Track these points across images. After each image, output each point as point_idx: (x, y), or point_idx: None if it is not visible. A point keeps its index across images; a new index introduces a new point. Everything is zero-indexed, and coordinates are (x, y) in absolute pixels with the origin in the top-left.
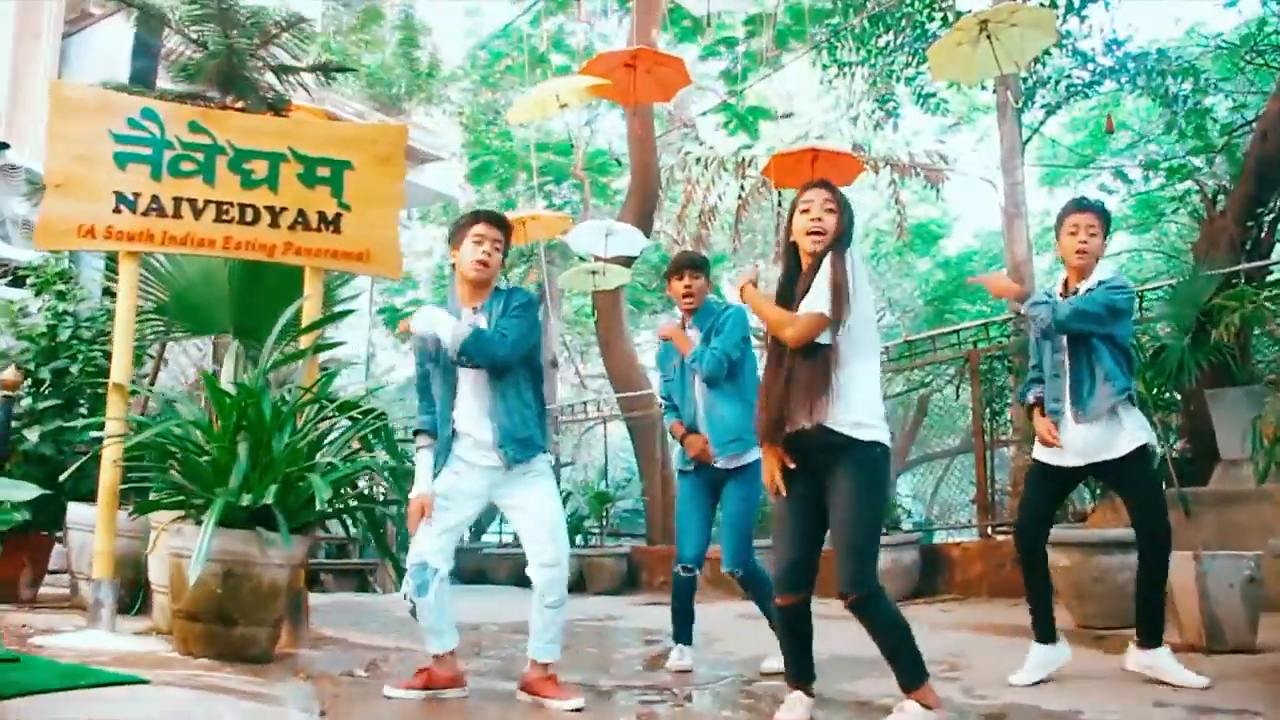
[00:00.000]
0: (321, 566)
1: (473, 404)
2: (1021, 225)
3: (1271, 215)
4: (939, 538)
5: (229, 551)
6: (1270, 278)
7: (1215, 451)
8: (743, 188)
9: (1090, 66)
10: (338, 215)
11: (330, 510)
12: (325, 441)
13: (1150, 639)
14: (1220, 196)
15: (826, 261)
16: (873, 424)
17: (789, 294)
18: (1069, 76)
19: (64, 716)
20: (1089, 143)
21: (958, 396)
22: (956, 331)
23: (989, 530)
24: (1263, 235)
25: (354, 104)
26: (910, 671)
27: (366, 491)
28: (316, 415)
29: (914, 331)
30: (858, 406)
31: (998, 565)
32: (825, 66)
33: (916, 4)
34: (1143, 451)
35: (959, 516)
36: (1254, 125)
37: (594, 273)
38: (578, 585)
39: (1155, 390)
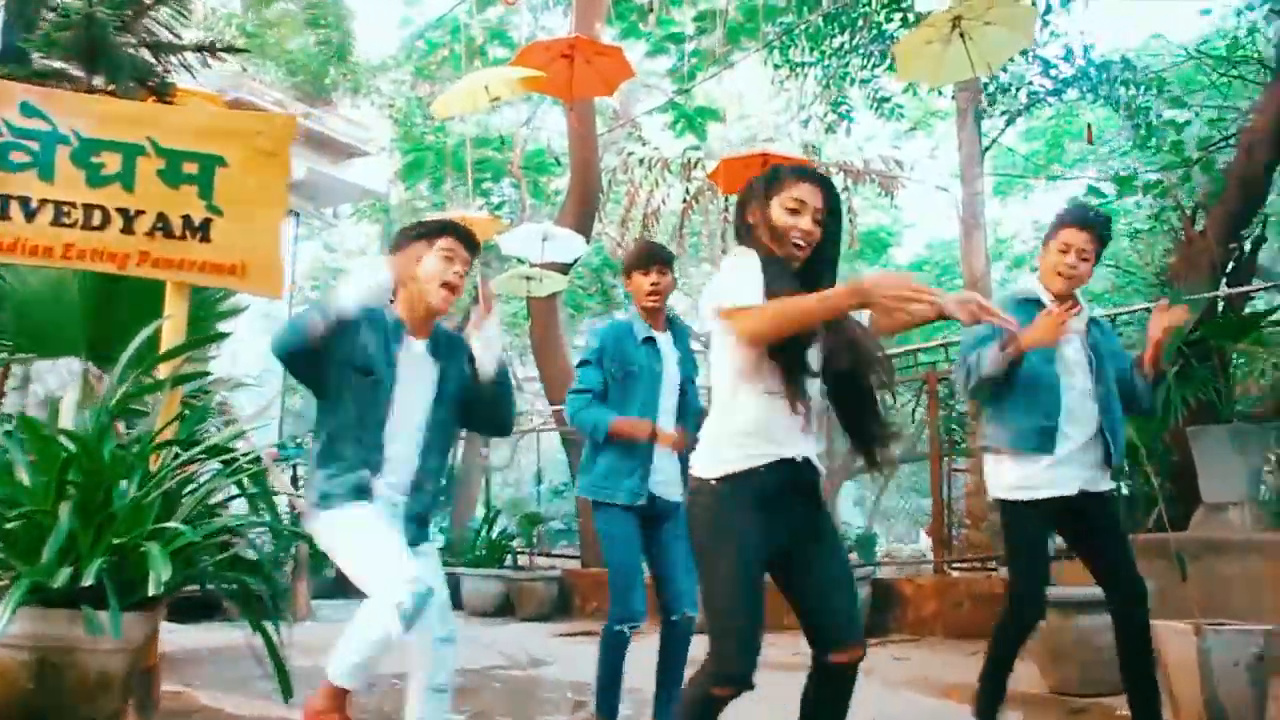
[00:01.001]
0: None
1: (402, 450)
2: (980, 236)
3: (1254, 238)
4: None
5: (44, 636)
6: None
7: (1194, 493)
8: (688, 190)
9: (1053, 73)
10: (207, 221)
11: (176, 584)
12: (185, 493)
13: None
14: (1198, 215)
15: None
16: None
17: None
18: (1030, 84)
19: None
20: (1045, 152)
21: (914, 419)
22: (914, 352)
23: (945, 566)
24: (1245, 258)
25: (274, 93)
26: None
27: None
28: (175, 462)
29: None
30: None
31: (954, 604)
32: (777, 66)
33: (874, 4)
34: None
35: (896, 525)
36: (1231, 140)
37: (529, 278)
38: (505, 610)
39: (1147, 429)
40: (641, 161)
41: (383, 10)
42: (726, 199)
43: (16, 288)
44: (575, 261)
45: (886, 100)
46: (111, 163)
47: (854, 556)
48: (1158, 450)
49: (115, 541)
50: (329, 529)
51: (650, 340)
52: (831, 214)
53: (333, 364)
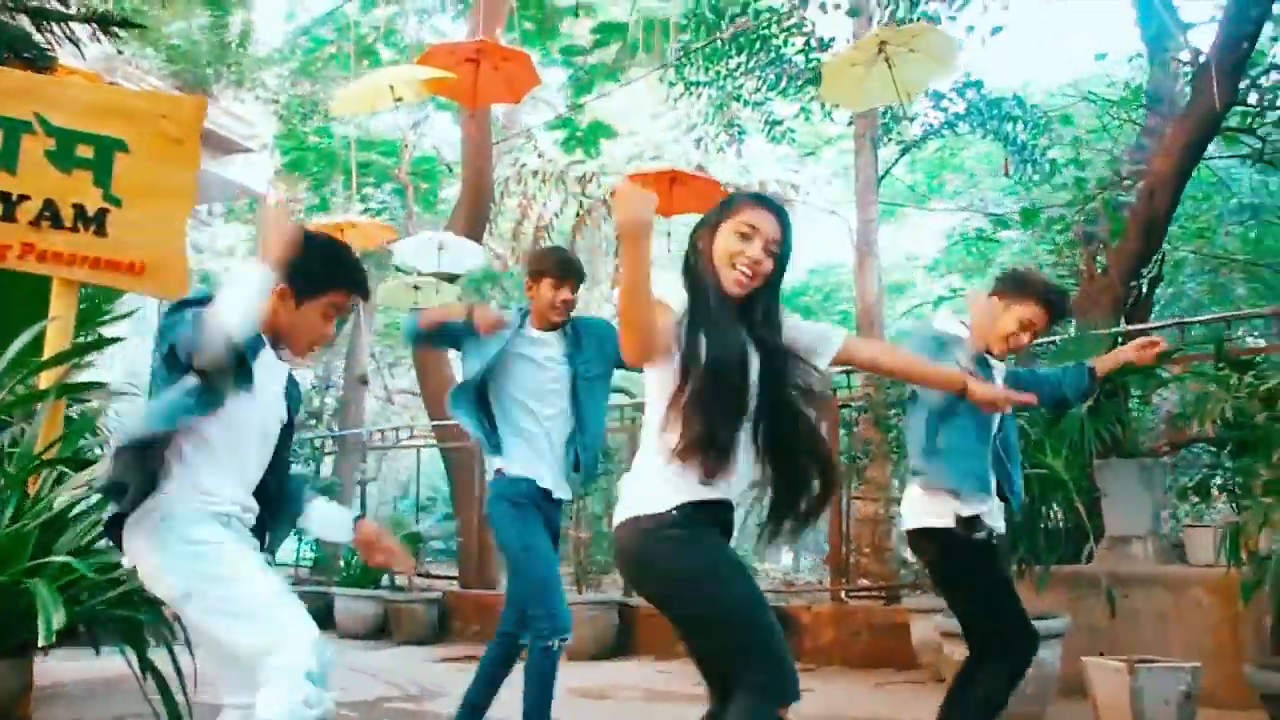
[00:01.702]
0: None
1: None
2: (873, 264)
3: (1152, 276)
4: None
5: None
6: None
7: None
8: (581, 205)
9: (945, 105)
10: (102, 211)
11: (65, 627)
12: (69, 518)
13: None
14: (1100, 253)
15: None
16: None
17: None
18: (924, 116)
19: None
20: (926, 182)
21: None
22: None
23: (843, 594)
24: (1143, 296)
25: (151, 79)
26: None
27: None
28: (55, 484)
29: None
30: None
31: (853, 633)
32: (671, 84)
33: (774, 28)
34: None
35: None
36: (1124, 180)
37: (416, 288)
38: (381, 632)
39: (1074, 463)
40: (535, 174)
41: (267, 2)
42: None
43: None
44: (464, 273)
45: (778, 123)
46: None
47: None
48: (1083, 484)
49: None
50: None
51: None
52: (782, 246)
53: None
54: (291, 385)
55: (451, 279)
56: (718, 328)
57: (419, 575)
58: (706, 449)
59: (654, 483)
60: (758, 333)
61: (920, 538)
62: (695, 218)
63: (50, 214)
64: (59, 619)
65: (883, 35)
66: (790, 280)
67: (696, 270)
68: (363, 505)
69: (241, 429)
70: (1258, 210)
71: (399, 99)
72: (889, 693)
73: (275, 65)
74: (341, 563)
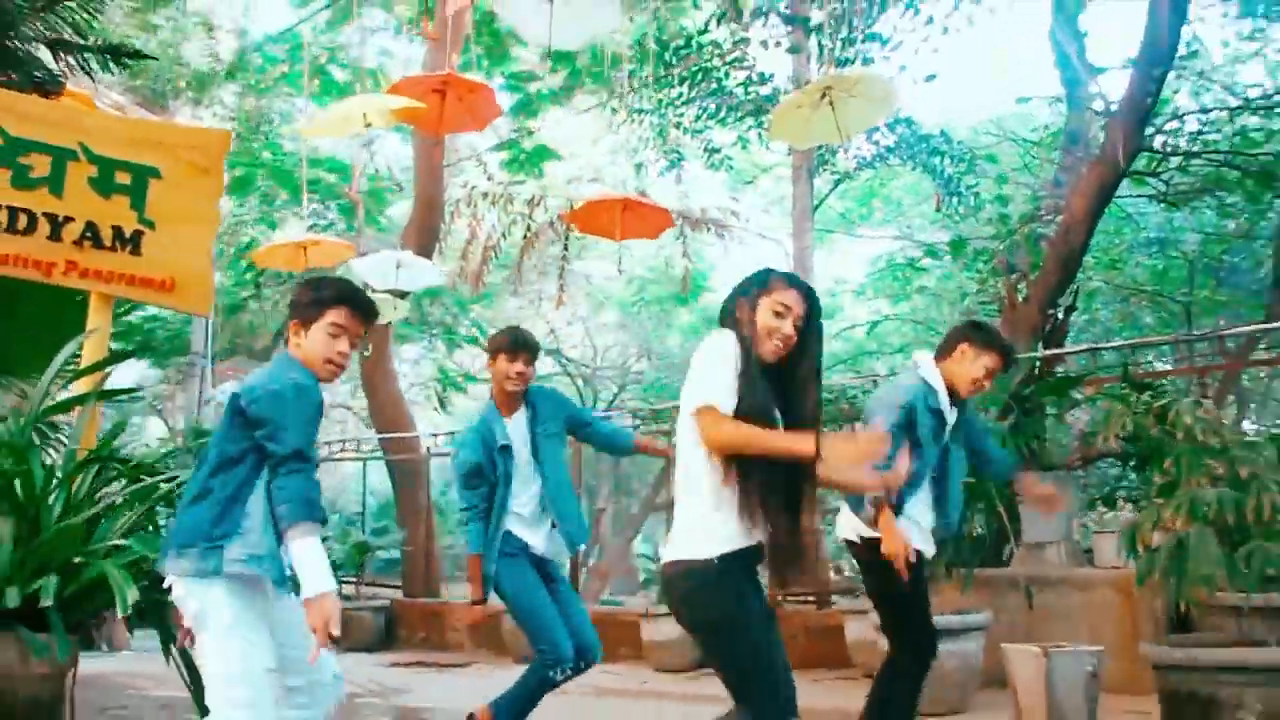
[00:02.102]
0: None
1: None
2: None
3: (1068, 305)
4: None
5: None
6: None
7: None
8: (529, 227)
9: (876, 139)
10: (138, 233)
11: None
12: (108, 514)
13: None
14: (1021, 284)
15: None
16: None
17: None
18: (858, 148)
19: None
20: (856, 210)
21: None
22: None
23: (781, 600)
24: (1059, 324)
25: (113, 94)
26: None
27: None
28: (95, 480)
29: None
30: None
31: (790, 636)
32: (614, 111)
33: (716, 60)
34: None
35: None
36: (1044, 215)
37: None
38: (328, 640)
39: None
40: (485, 195)
41: (219, 15)
42: (568, 235)
43: None
44: (411, 291)
45: (717, 151)
46: (40, 165)
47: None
48: (1004, 495)
49: (62, 558)
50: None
51: (505, 448)
52: (809, 321)
53: None
54: None
55: (402, 295)
56: (754, 392)
57: (367, 585)
58: (756, 505)
59: (699, 531)
60: (789, 394)
61: (850, 546)
62: (644, 242)
63: (91, 235)
64: (133, 595)
65: (828, 81)
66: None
67: (738, 330)
68: None
69: None
70: (1164, 244)
71: (369, 125)
72: (825, 687)
73: (231, 82)
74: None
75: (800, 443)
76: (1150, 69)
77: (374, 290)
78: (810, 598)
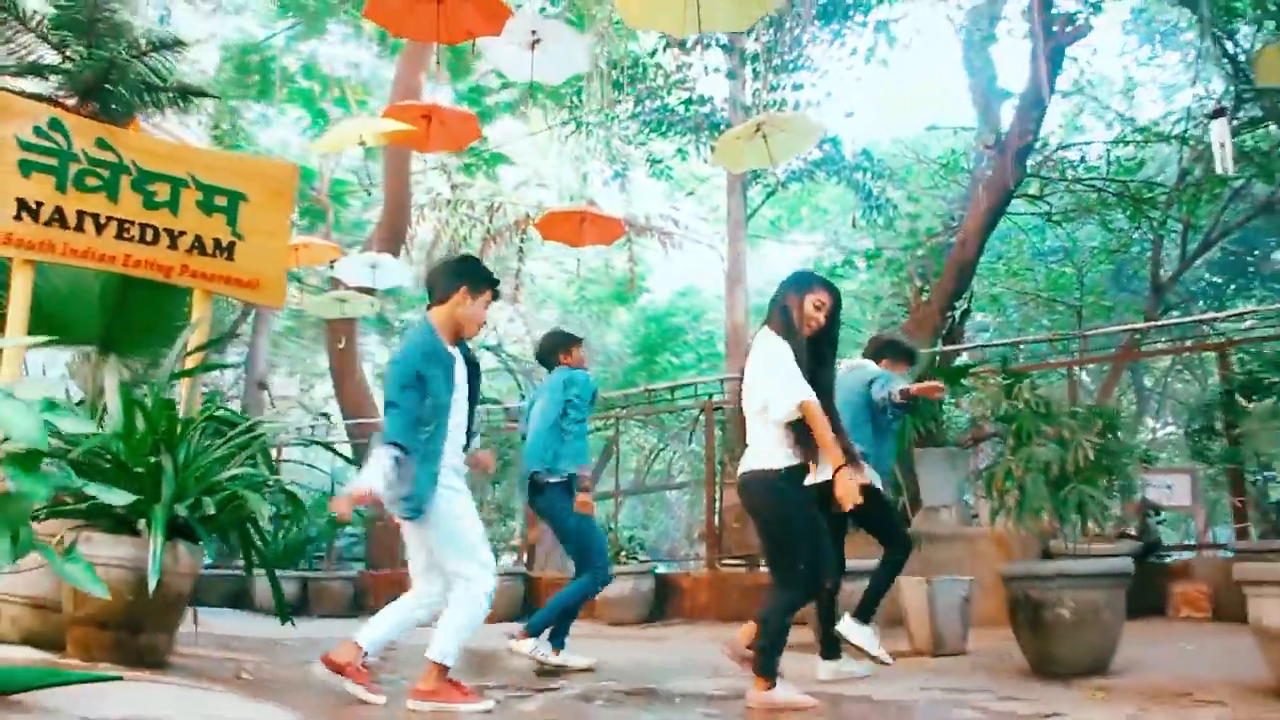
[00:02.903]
0: None
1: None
2: (741, 291)
3: (964, 309)
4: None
5: (142, 560)
6: (959, 360)
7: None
8: (488, 230)
9: (807, 155)
10: (232, 243)
11: (259, 528)
12: (215, 458)
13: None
14: (925, 288)
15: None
16: None
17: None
18: (789, 163)
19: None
20: (787, 217)
21: (690, 441)
22: (694, 384)
23: (716, 563)
24: (955, 324)
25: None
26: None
27: None
28: (203, 432)
29: (622, 379)
30: None
31: (724, 594)
32: (564, 123)
33: (660, 78)
34: None
35: (671, 540)
36: (946, 231)
37: (342, 300)
38: (301, 608)
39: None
40: (449, 202)
41: (190, 25)
42: (523, 238)
43: (40, 285)
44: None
45: (659, 161)
46: (161, 191)
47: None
48: (905, 466)
49: (206, 484)
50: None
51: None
52: (835, 313)
53: None
54: (469, 364)
55: (370, 292)
56: (801, 363)
57: (335, 559)
58: (803, 435)
59: (772, 452)
60: (818, 360)
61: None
62: (600, 249)
63: (199, 245)
64: (268, 510)
65: (762, 118)
66: (662, 303)
67: (791, 322)
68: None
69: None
70: (1061, 255)
71: (362, 143)
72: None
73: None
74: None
75: (834, 453)
76: (1029, 110)
77: (346, 287)
78: (742, 562)
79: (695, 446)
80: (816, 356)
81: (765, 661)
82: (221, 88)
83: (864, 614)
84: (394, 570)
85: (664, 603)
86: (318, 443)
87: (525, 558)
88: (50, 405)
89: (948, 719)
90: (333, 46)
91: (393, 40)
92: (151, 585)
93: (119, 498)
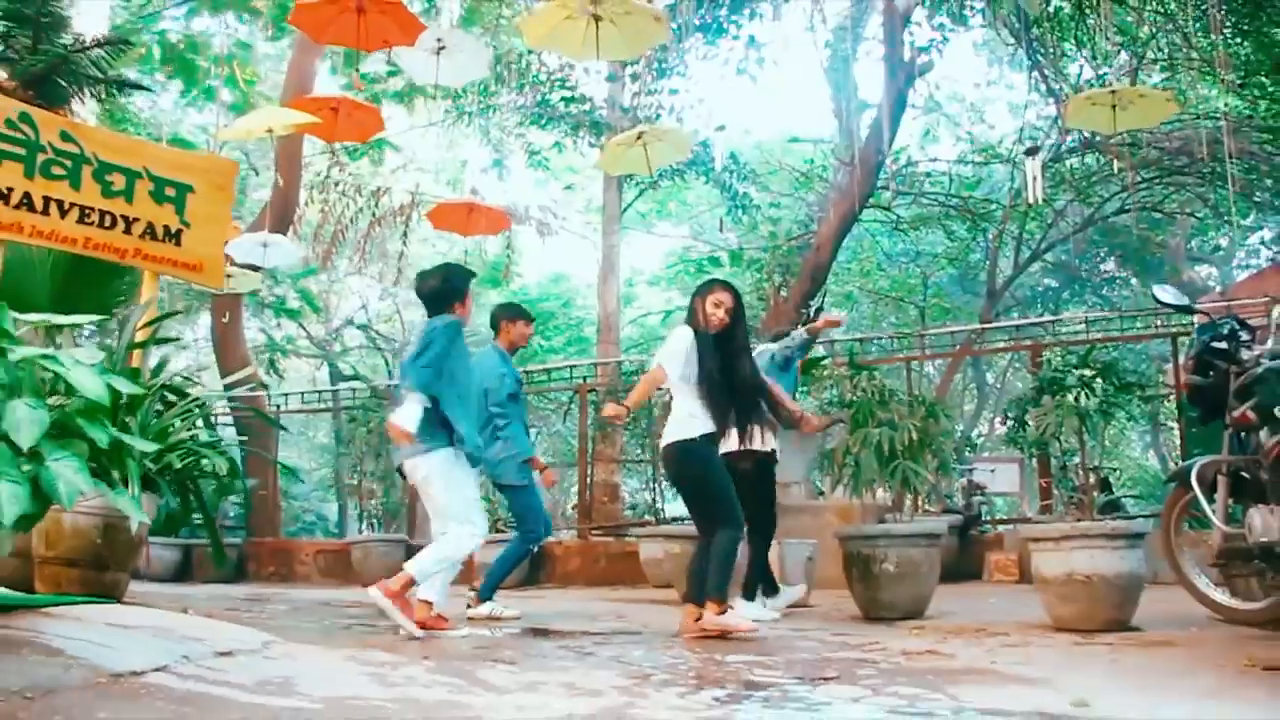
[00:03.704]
0: None
1: None
2: (614, 281)
3: (818, 306)
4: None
5: (112, 508)
6: (812, 354)
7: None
8: (373, 214)
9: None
10: (179, 230)
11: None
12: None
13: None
14: (783, 287)
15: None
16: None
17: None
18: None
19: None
20: (655, 211)
21: (565, 420)
22: (570, 367)
23: (587, 533)
24: (809, 320)
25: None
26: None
27: None
28: (149, 399)
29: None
30: None
31: (594, 560)
32: (447, 112)
33: (543, 75)
34: None
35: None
36: (810, 235)
37: (229, 276)
38: (184, 575)
39: None
40: (336, 184)
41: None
42: (409, 222)
43: None
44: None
45: (537, 153)
46: (118, 181)
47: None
48: None
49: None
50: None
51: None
52: (736, 309)
53: None
54: None
55: (255, 269)
56: (708, 353)
57: (221, 527)
58: (714, 411)
59: (688, 425)
60: (728, 350)
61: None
62: (489, 238)
63: (150, 231)
64: (225, 465)
65: (643, 129)
66: (534, 289)
67: (696, 321)
68: None
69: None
70: (907, 259)
71: (270, 131)
72: (620, 593)
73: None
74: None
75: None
76: (879, 134)
77: (233, 264)
78: (609, 533)
79: (561, 427)
80: (730, 349)
81: (718, 586)
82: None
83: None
84: (275, 539)
85: (538, 569)
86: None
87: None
88: (104, 369)
89: (793, 648)
90: (223, 26)
91: (287, 26)
92: (134, 527)
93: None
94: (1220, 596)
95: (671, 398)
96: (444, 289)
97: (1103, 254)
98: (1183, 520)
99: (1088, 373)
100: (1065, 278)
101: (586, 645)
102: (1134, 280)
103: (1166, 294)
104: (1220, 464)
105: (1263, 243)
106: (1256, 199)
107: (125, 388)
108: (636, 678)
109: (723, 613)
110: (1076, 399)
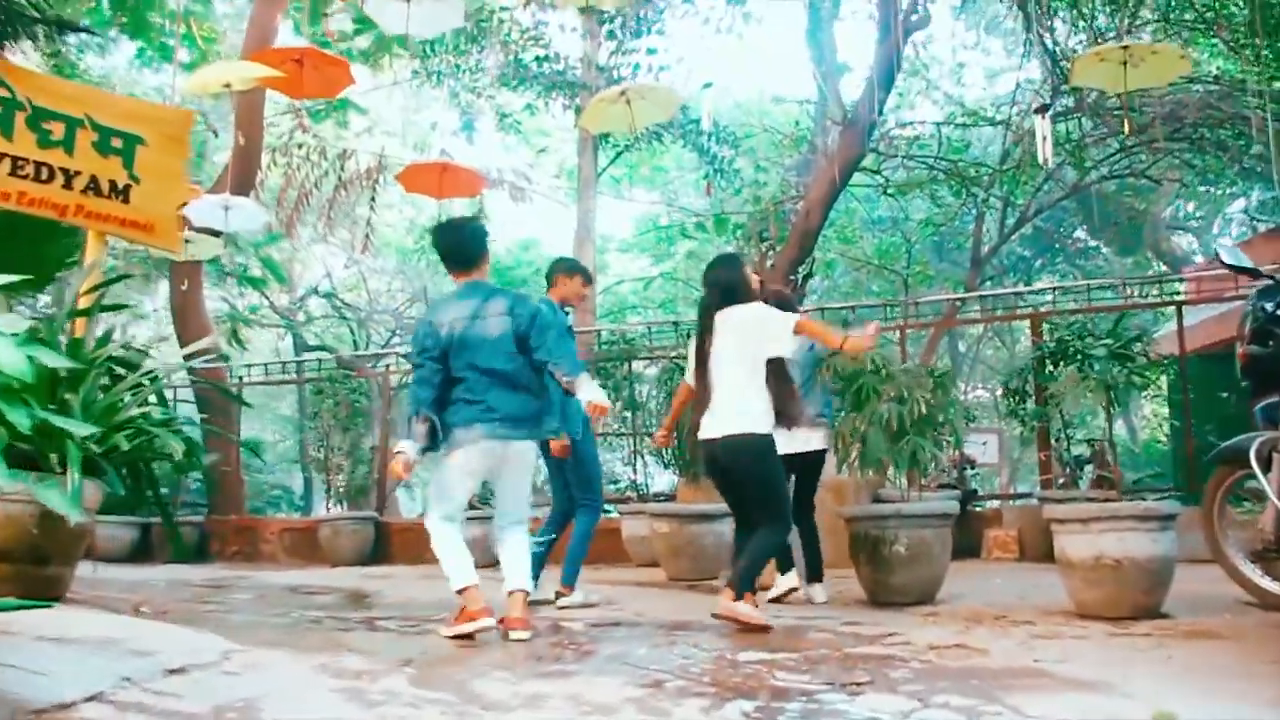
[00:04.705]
0: None
1: None
2: (590, 247)
3: (806, 274)
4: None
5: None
6: None
7: None
8: (339, 177)
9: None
10: (128, 186)
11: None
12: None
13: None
14: (770, 253)
15: None
16: None
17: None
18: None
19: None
20: (628, 176)
21: None
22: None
23: None
24: (798, 288)
25: None
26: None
27: None
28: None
29: None
30: None
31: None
32: (415, 74)
33: (514, 35)
34: None
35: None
36: (796, 199)
37: (188, 242)
38: (142, 555)
39: None
40: (300, 146)
41: None
42: (376, 187)
43: None
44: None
45: (508, 116)
46: (57, 130)
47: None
48: None
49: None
50: None
51: None
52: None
53: None
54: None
55: (216, 234)
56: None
57: (184, 505)
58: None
59: (764, 417)
60: None
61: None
62: (462, 200)
63: (94, 186)
64: (179, 448)
65: (628, 85)
66: (505, 256)
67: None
68: None
69: None
70: (890, 225)
71: (227, 86)
72: (604, 574)
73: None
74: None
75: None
76: (872, 94)
77: (191, 228)
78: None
79: None
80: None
81: (745, 580)
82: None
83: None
84: (239, 517)
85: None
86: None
87: (376, 503)
88: (29, 339)
89: (806, 641)
90: None
91: None
92: (74, 520)
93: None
94: (1266, 583)
95: (717, 376)
96: None
97: (1077, 223)
98: (1227, 500)
99: (1109, 341)
100: (1039, 248)
101: (583, 641)
102: (1105, 249)
103: (1230, 254)
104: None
105: (1245, 211)
106: (1244, 165)
107: (57, 362)
108: (648, 685)
109: (736, 599)
110: (1100, 372)
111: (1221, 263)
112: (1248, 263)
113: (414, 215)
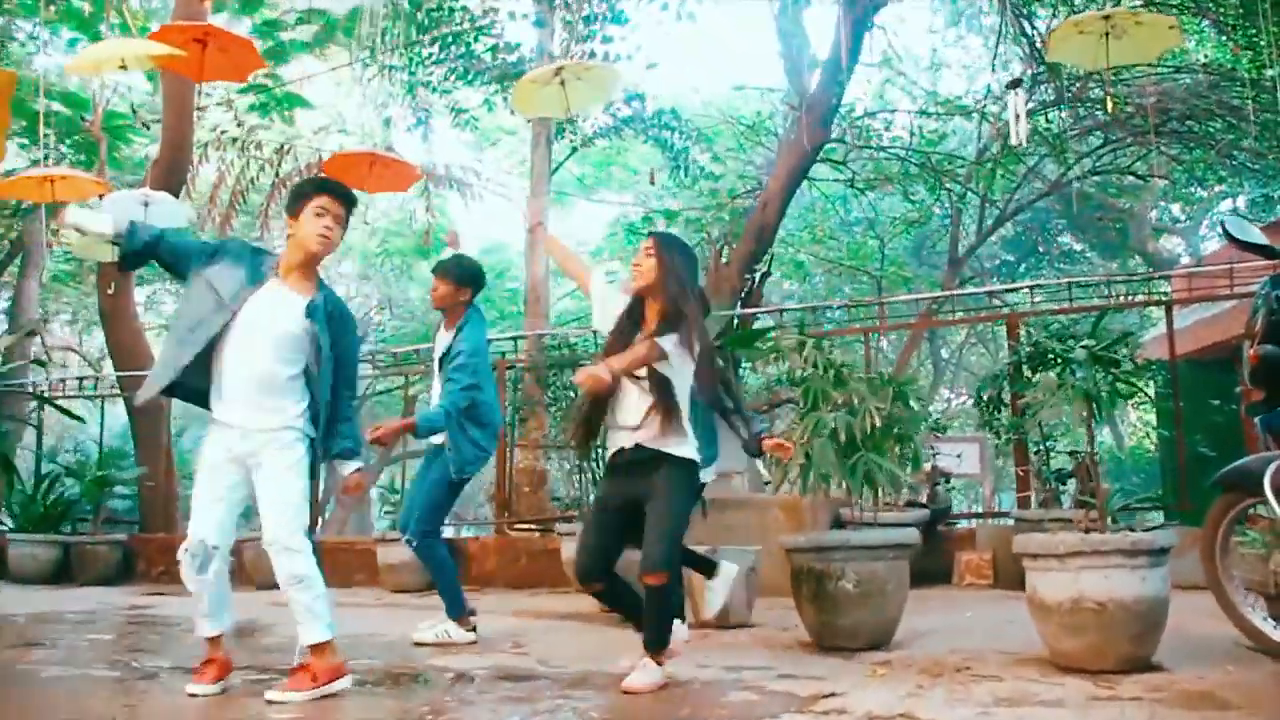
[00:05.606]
0: None
1: None
2: (542, 248)
3: (763, 271)
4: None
5: None
6: (758, 323)
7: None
8: (277, 174)
9: (614, 111)
10: None
11: None
12: None
13: None
14: (725, 250)
15: None
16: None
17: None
18: (595, 119)
19: None
20: (595, 175)
21: None
22: (489, 341)
23: (506, 528)
24: (754, 287)
25: None
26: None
27: None
28: None
29: (424, 334)
30: None
31: (513, 559)
32: (365, 65)
33: (466, 24)
34: None
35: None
36: (756, 194)
37: (115, 243)
38: (61, 576)
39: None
40: (234, 140)
41: None
42: None
43: None
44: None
45: (464, 111)
46: None
47: None
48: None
49: None
50: None
51: None
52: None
53: None
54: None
55: (116, 241)
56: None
57: (106, 521)
58: None
59: (693, 442)
60: None
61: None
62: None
63: None
64: None
65: (561, 64)
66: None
67: None
68: (38, 450)
69: None
70: (863, 225)
71: (123, 67)
72: (537, 601)
73: None
74: (16, 507)
75: None
76: (834, 74)
77: (80, 232)
78: (534, 527)
79: None
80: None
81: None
82: None
83: None
84: (168, 534)
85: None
86: (39, 397)
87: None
88: None
89: (720, 702)
90: None
91: None
92: None
93: None
94: (1273, 631)
95: (663, 391)
96: None
97: (1060, 226)
98: (1232, 532)
99: (1090, 343)
100: (1022, 251)
101: (452, 704)
102: (1089, 254)
103: (1238, 228)
104: None
105: (1235, 211)
106: (1235, 160)
107: None
108: None
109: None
110: (1081, 378)
111: (1229, 237)
112: (1260, 238)
113: (361, 210)
